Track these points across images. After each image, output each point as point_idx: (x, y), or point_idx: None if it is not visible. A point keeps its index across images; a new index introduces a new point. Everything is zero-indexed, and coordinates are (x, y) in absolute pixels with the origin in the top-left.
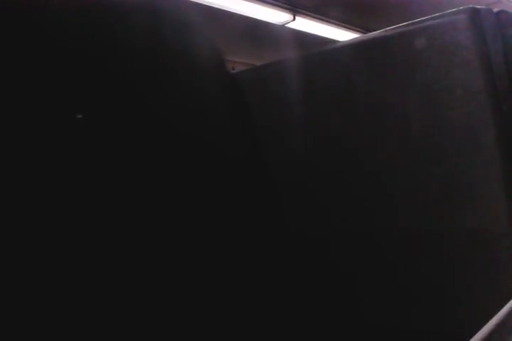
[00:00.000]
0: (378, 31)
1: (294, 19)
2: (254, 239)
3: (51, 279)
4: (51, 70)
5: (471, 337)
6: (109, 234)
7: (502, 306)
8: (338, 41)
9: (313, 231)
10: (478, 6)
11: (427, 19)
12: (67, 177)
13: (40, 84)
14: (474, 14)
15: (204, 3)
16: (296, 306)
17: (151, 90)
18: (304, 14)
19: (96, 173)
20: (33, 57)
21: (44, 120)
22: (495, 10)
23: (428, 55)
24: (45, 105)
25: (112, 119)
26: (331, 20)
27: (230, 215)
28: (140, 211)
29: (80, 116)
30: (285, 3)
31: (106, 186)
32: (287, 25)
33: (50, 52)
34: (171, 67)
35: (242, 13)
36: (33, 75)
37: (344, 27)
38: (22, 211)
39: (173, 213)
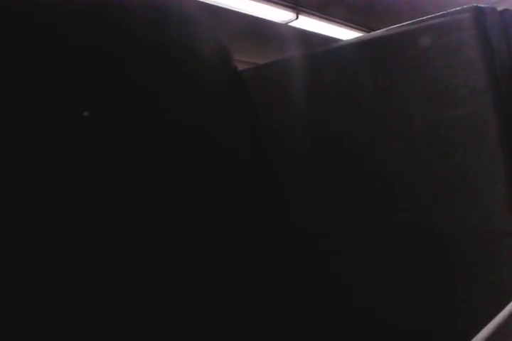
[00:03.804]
0: (381, 30)
1: (297, 18)
2: (257, 237)
3: (50, 278)
4: (54, 68)
5: (472, 337)
6: (110, 231)
7: (503, 306)
8: (341, 40)
9: (317, 230)
10: (482, 5)
11: (430, 18)
12: (67, 174)
13: (44, 81)
14: (478, 13)
15: (207, 1)
16: (298, 305)
17: (155, 87)
18: (307, 13)
19: (97, 171)
20: (36, 55)
21: (47, 118)
22: (499, 9)
23: (432, 54)
24: (47, 102)
25: (116, 116)
26: (334, 19)
27: (233, 214)
28: (142, 209)
29: (85, 113)
30: (288, 2)
31: (108, 184)
32: (290, 24)
33: (53, 50)
34: (175, 65)
35: (245, 12)
36: (36, 73)
37: (347, 26)
38: (22, 210)
39: (176, 212)
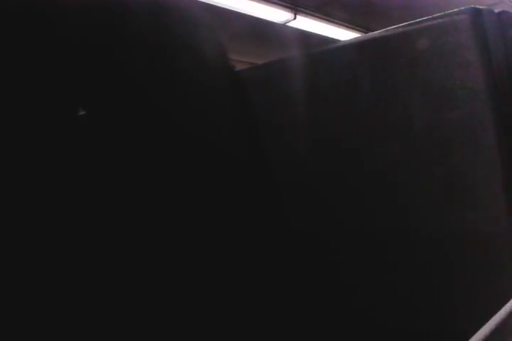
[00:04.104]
0: (379, 31)
1: (294, 18)
2: (256, 238)
3: (51, 279)
4: (57, 67)
5: (471, 336)
6: (110, 233)
7: (502, 306)
8: (338, 40)
9: (315, 231)
10: (480, 7)
11: (428, 19)
12: (67, 174)
13: (48, 80)
14: (476, 14)
15: (205, 0)
16: (298, 305)
17: (155, 87)
18: (304, 13)
19: (97, 170)
20: (41, 54)
21: (49, 117)
22: (496, 10)
23: (429, 55)
24: (50, 102)
25: (116, 115)
26: (331, 20)
27: (232, 215)
28: (140, 210)
29: (83, 112)
30: (286, 2)
31: (106, 184)
32: (288, 24)
33: (57, 49)
34: (175, 65)
35: (242, 12)
36: (41, 72)
37: (345, 26)
38: (22, 209)
39: (175, 212)
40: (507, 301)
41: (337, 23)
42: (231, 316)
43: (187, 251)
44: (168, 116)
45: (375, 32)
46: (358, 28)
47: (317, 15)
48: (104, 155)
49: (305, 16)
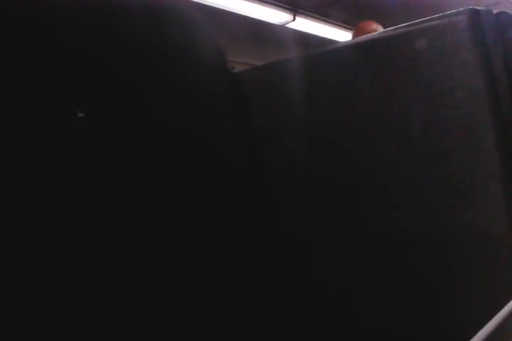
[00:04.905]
0: (378, 32)
1: (294, 19)
2: (253, 239)
3: (49, 279)
4: (54, 68)
5: (471, 337)
6: (106, 233)
7: (502, 306)
8: (338, 42)
9: (313, 231)
10: (478, 7)
11: (426, 20)
12: (65, 175)
13: (43, 81)
14: (474, 15)
15: (203, 2)
16: (296, 306)
17: (152, 89)
18: (304, 14)
19: (94, 171)
20: (36, 55)
21: (46, 117)
22: (495, 11)
23: (428, 56)
24: (46, 102)
25: (113, 117)
26: (331, 21)
27: (229, 216)
28: (136, 211)
29: (81, 114)
30: (285, 3)
31: (103, 185)
32: (287, 26)
33: (53, 49)
34: (172, 66)
35: (241, 13)
36: (36, 73)
37: (344, 27)
38: (21, 210)
39: (171, 213)
40: (507, 301)
41: (336, 24)
42: (230, 315)
43: (185, 253)
44: (166, 118)
45: (374, 33)
46: None
47: (316, 16)
48: (103, 157)
49: (304, 17)
